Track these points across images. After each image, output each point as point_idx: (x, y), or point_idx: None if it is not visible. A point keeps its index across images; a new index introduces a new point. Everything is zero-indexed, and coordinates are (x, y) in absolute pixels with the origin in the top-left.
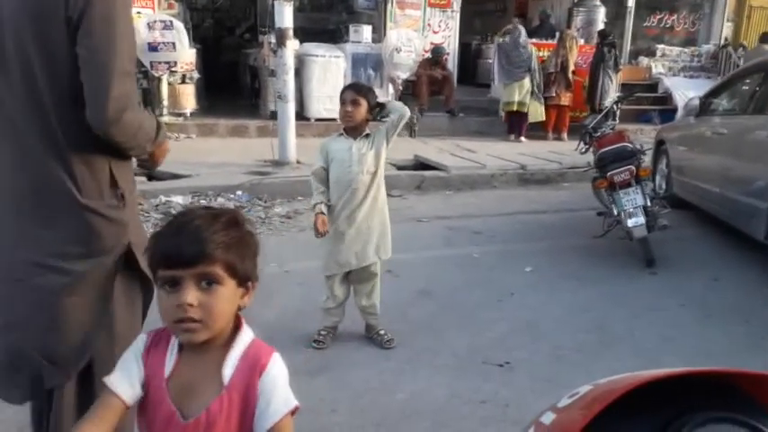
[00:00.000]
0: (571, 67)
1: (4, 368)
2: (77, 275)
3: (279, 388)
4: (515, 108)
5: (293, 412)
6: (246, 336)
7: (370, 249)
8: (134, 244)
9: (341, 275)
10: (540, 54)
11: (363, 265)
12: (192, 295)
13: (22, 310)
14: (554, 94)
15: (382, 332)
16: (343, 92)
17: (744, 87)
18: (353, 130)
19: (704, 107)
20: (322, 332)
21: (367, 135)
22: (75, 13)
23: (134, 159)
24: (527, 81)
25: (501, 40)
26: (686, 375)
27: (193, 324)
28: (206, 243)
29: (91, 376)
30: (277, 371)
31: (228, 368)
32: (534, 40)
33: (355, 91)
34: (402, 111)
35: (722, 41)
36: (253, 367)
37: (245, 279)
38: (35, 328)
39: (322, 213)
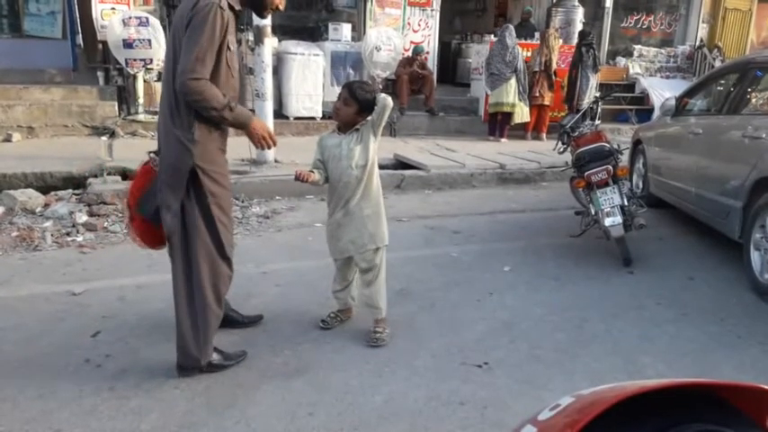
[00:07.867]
0: (554, 66)
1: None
2: (171, 172)
3: None
4: (505, 109)
5: None
6: None
7: (365, 237)
8: (199, 167)
9: (343, 260)
10: (525, 54)
11: (361, 252)
12: None
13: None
14: (537, 95)
15: (378, 329)
16: (342, 87)
17: (719, 88)
18: (344, 125)
19: (680, 107)
20: (331, 314)
21: (357, 130)
22: (187, 21)
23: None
24: (513, 81)
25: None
26: (672, 387)
27: None
28: None
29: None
30: None
31: None
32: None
33: (349, 91)
34: (382, 102)
35: (698, 42)
36: None
37: None
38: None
39: (311, 173)
